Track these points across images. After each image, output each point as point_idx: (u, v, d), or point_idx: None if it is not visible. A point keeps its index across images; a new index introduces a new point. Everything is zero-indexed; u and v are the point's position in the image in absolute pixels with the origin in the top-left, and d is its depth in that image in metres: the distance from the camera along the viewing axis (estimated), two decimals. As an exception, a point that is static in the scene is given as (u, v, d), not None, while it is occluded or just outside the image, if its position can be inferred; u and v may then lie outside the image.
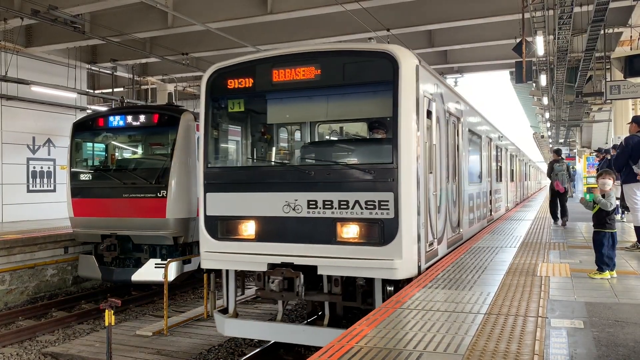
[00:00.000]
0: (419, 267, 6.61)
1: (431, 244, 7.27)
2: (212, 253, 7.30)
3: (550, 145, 46.45)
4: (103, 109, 20.75)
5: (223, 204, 7.23)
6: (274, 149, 8.28)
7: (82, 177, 12.47)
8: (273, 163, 7.91)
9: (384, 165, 6.47)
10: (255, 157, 8.16)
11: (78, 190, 12.32)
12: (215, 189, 7.30)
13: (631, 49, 17.08)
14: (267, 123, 7.97)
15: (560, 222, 13.61)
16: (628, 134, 9.22)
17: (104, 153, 13.24)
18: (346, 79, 6.88)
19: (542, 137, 48.80)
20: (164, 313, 9.64)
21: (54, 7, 13.67)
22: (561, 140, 41.73)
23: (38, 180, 19.05)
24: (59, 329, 10.36)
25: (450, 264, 7.58)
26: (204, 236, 7.34)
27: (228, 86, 7.32)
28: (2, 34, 16.36)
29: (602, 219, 6.55)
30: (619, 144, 10.38)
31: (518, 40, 14.83)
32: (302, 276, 6.70)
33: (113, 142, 13.07)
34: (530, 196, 33.42)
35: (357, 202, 6.44)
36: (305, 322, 8.36)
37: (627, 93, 15.54)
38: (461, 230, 9.61)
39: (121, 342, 8.92)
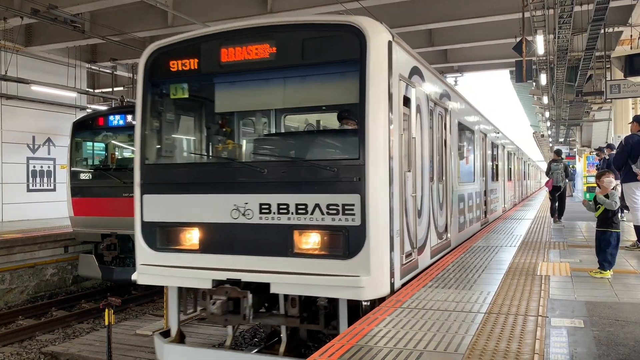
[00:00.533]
0: (392, 284, 5.61)
1: (409, 255, 6.29)
2: (150, 266, 6.28)
3: (550, 145, 46.51)
4: (103, 108, 20.75)
5: (162, 208, 6.26)
6: (221, 142, 7.08)
7: (82, 176, 12.48)
8: (219, 159, 6.75)
9: (349, 161, 5.54)
10: (199, 153, 7.10)
11: (78, 189, 12.33)
12: (154, 190, 6.35)
13: (631, 48, 17.08)
14: (215, 112, 6.95)
15: (558, 220, 14.11)
16: (629, 133, 9.22)
17: (103, 152, 13.25)
18: (306, 58, 5.86)
19: (542, 136, 48.84)
20: (164, 312, 9.64)
21: (53, 6, 13.66)
22: (561, 140, 41.70)
23: (38, 179, 19.06)
24: (59, 328, 10.36)
25: (450, 263, 7.58)
26: (140, 246, 6.37)
27: (170, 68, 6.31)
28: (2, 33, 16.35)
29: (608, 219, 6.54)
30: (618, 143, 10.38)
31: (518, 39, 14.84)
32: (250, 296, 5.72)
33: (113, 141, 13.07)
34: (530, 195, 33.42)
35: (317, 206, 5.48)
36: (263, 345, 7.35)
37: (627, 92, 15.57)
38: (449, 236, 8.62)
39: (121, 342, 8.91)
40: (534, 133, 54.67)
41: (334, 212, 5.43)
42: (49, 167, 19.43)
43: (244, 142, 7.07)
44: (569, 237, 10.83)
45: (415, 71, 6.73)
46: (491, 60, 21.68)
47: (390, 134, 5.54)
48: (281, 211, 5.64)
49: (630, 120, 9.61)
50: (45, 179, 19.30)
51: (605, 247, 6.53)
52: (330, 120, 7.18)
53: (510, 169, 20.04)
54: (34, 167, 18.94)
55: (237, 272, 5.76)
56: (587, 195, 24.84)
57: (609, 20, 14.16)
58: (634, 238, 9.17)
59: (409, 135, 6.38)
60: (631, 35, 17.28)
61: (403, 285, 6.03)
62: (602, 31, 14.42)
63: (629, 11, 15.93)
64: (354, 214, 5.36)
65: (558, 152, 15.20)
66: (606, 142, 20.82)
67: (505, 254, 8.52)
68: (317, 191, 5.52)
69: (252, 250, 5.76)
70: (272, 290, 5.65)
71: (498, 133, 16.21)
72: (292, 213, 5.59)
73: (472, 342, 4.06)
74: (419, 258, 6.74)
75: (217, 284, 5.89)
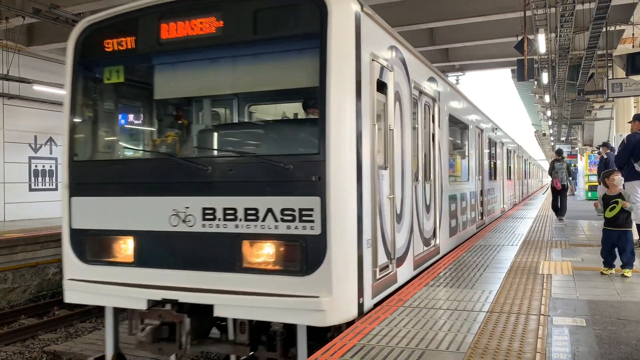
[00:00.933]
0: (360, 305, 4.74)
1: (385, 268, 5.41)
2: (79, 282, 5.43)
3: (552, 144, 46.51)
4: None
5: (93, 212, 5.42)
6: (160, 135, 6.18)
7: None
8: (157, 155, 5.82)
9: (307, 156, 4.71)
10: (134, 147, 6.23)
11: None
12: (84, 191, 5.49)
13: (633, 46, 17.05)
14: (153, 98, 5.97)
15: (561, 218, 14.36)
16: (629, 132, 9.23)
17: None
18: (258, 32, 4.94)
19: (544, 135, 48.81)
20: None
21: (55, 5, 13.68)
22: (563, 138, 41.70)
23: (40, 179, 19.10)
24: (62, 327, 10.37)
25: (452, 262, 7.58)
26: (69, 258, 5.53)
27: (104, 48, 5.46)
28: (3, 32, 16.38)
29: (626, 219, 6.48)
30: (620, 141, 10.39)
31: (520, 38, 14.84)
32: (187, 321, 4.93)
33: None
34: (531, 195, 33.36)
35: (269, 210, 4.65)
36: None
37: (629, 91, 15.55)
38: (437, 242, 7.79)
39: (124, 341, 8.92)
40: (535, 132, 54.66)
41: (290, 218, 4.59)
42: (50, 166, 19.48)
43: (185, 135, 6.16)
44: (571, 236, 10.82)
45: (393, 51, 5.93)
46: (493, 59, 21.70)
47: (358, 124, 4.73)
48: (228, 217, 4.81)
49: (631, 119, 9.62)
50: (47, 179, 19.34)
51: (631, 245, 6.52)
52: (288, 109, 6.44)
53: (510, 167, 19.43)
54: (36, 166, 18.98)
55: (175, 291, 4.92)
56: (589, 194, 24.89)
57: (611, 19, 14.15)
58: (636, 237, 9.16)
59: (385, 126, 5.54)
60: (633, 34, 17.26)
61: (376, 305, 5.17)
62: (604, 30, 14.40)
63: (630, 9, 15.90)
64: (312, 221, 4.52)
65: (559, 152, 15.55)
66: (608, 141, 20.80)
67: (507, 252, 8.52)
68: (270, 193, 4.69)
69: (193, 265, 4.95)
70: (216, 313, 4.80)
71: (496, 129, 15.52)
72: (241, 219, 4.76)
73: (474, 341, 4.06)
74: (398, 270, 5.86)
75: (154, 304, 5.05)
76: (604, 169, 13.84)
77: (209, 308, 4.80)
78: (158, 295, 4.99)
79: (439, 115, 8.00)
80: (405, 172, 6.22)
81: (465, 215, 10.30)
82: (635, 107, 21.50)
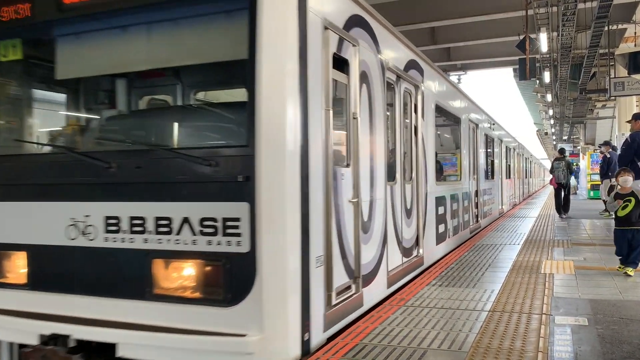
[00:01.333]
0: (306, 341, 3.73)
1: (345, 290, 4.43)
2: None
3: (554, 143, 46.50)
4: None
5: None
6: (59, 123, 5.17)
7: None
8: (54, 149, 4.72)
9: (232, 149, 3.77)
10: (24, 139, 4.92)
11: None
12: None
13: (635, 45, 17.03)
14: (55, 78, 4.72)
15: (564, 215, 14.65)
16: (634, 131, 9.21)
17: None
18: None
19: (546, 134, 48.83)
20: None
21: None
22: (565, 137, 41.68)
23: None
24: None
25: (453, 262, 7.58)
26: None
27: None
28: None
29: (638, 216, 6.45)
30: (624, 140, 10.38)
31: (522, 37, 14.83)
32: None
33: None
34: (533, 194, 33.26)
35: (186, 220, 3.70)
36: None
37: (631, 90, 15.56)
38: (420, 252, 6.74)
39: None
40: (537, 131, 54.66)
41: (211, 230, 3.63)
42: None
43: (88, 124, 5.09)
44: (573, 235, 10.80)
45: (356, 22, 4.77)
46: (494, 58, 21.74)
47: (304, 109, 3.75)
48: (135, 229, 3.85)
49: (630, 118, 9.63)
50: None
51: None
52: (219, 90, 5.41)
53: (510, 165, 18.57)
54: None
55: (70, 324, 3.90)
56: (592, 193, 24.88)
57: (613, 18, 14.17)
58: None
59: (348, 112, 4.57)
60: (635, 33, 17.24)
61: (330, 339, 4.13)
62: (606, 28, 14.40)
63: (633, 8, 15.90)
64: (239, 234, 3.55)
65: (561, 151, 15.91)
66: (610, 139, 20.79)
67: (509, 251, 8.51)
68: (186, 197, 3.74)
69: (94, 290, 3.97)
70: (120, 353, 3.76)
71: (494, 125, 14.37)
72: (151, 232, 3.81)
73: (476, 340, 4.06)
74: (365, 291, 4.82)
75: (47, 339, 3.99)
76: (607, 168, 13.89)
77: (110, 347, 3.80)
78: (49, 328, 3.95)
79: (423, 105, 6.93)
80: (377, 171, 5.19)
81: (457, 219, 9.24)
82: (637, 105, 21.48)
